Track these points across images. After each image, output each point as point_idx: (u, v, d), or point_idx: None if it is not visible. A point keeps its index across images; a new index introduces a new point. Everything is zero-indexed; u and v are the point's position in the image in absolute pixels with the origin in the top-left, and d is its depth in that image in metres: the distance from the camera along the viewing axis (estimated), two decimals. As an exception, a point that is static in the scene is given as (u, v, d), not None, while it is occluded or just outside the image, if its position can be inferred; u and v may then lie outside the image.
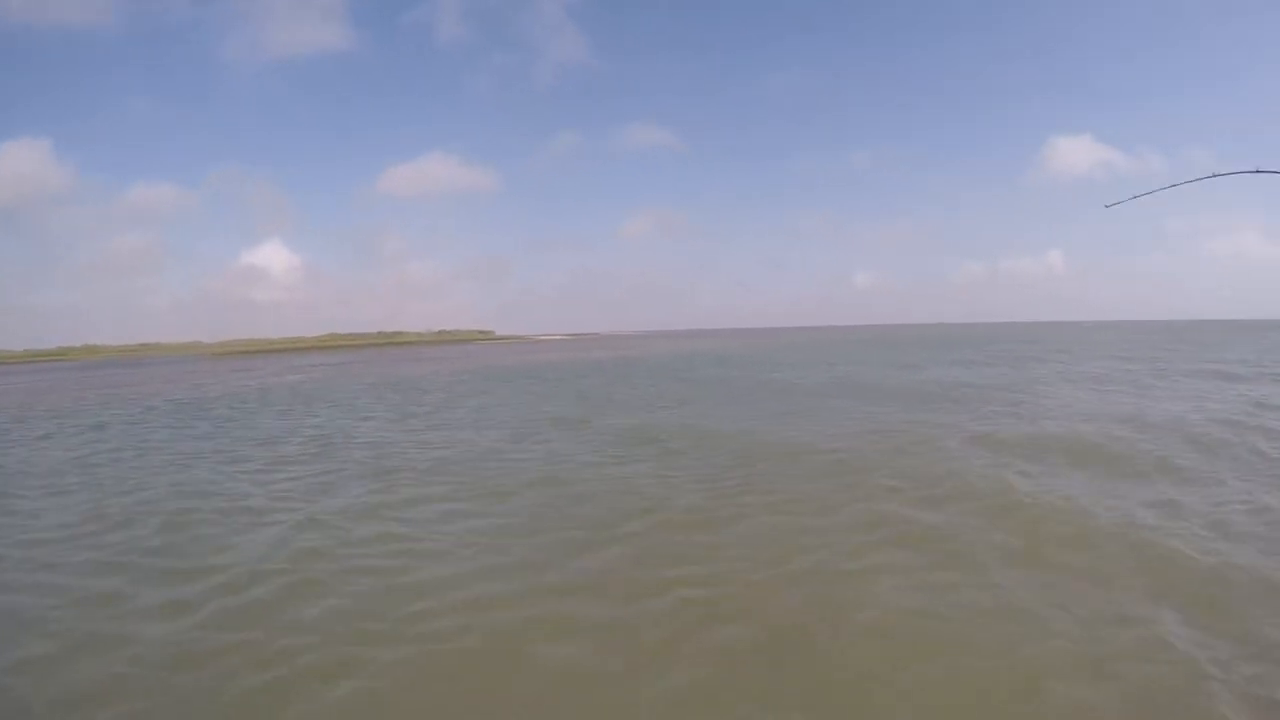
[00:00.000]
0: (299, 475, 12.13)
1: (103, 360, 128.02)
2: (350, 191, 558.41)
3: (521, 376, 36.47)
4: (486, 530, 8.40)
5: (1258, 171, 3.40)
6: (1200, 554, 6.65)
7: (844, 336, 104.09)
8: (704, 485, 10.15)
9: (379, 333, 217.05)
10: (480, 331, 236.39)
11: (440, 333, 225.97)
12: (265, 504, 10.05)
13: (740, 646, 5.28)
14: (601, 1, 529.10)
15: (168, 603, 6.50)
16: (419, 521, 8.87)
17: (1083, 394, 20.27)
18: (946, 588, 6.19)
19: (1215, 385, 21.56)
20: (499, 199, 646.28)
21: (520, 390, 28.29)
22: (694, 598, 6.16)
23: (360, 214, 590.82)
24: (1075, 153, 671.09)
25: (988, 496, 8.93)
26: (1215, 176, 3.83)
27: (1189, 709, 4.28)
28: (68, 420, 22.64)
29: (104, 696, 4.91)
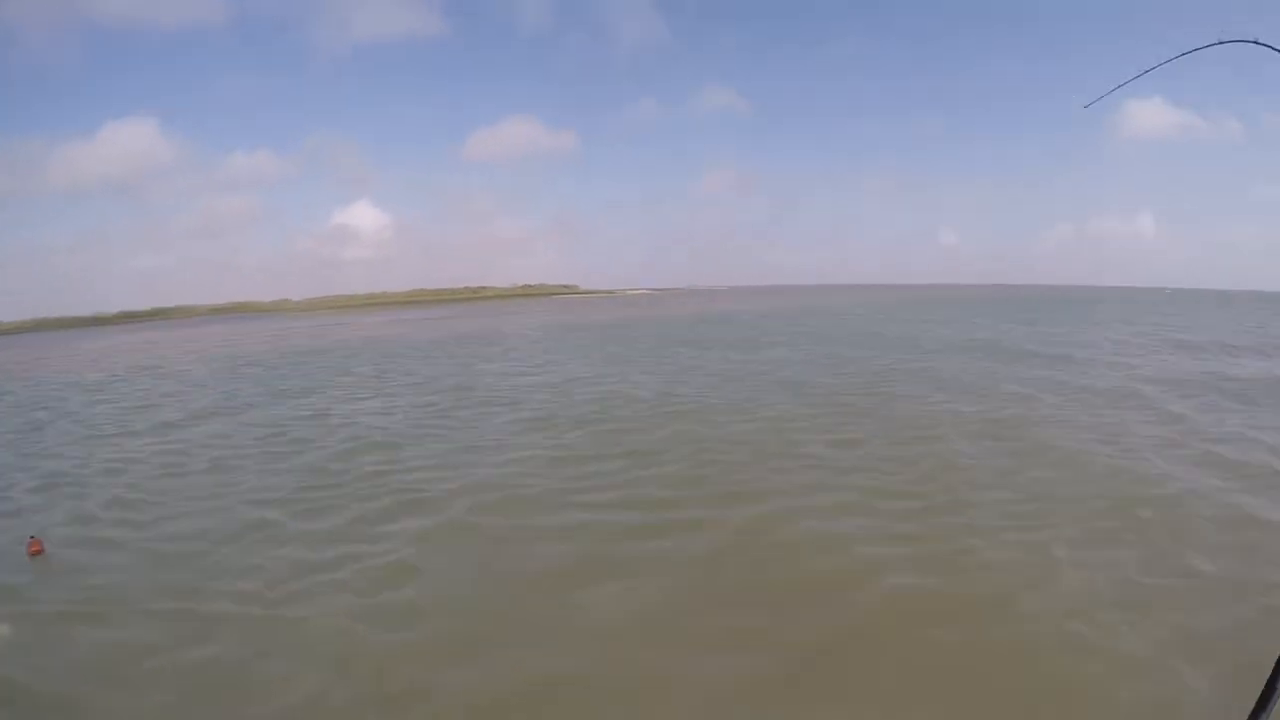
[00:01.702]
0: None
1: (197, 319, 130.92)
2: (438, 155, 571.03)
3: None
4: None
5: (1256, 43, 2.79)
6: None
7: (947, 297, 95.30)
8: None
9: (464, 288, 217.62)
10: (564, 286, 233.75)
11: (524, 287, 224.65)
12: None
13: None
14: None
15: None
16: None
17: None
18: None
19: None
20: (580, 160, 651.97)
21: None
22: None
23: (448, 175, 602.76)
24: (1148, 116, 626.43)
25: None
26: (1216, 44, 3.11)
27: None
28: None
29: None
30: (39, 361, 39.38)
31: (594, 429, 12.59)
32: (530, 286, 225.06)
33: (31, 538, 7.88)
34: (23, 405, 20.23)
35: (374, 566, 6.98)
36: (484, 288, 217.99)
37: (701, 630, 5.46)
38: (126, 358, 37.18)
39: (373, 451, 11.80)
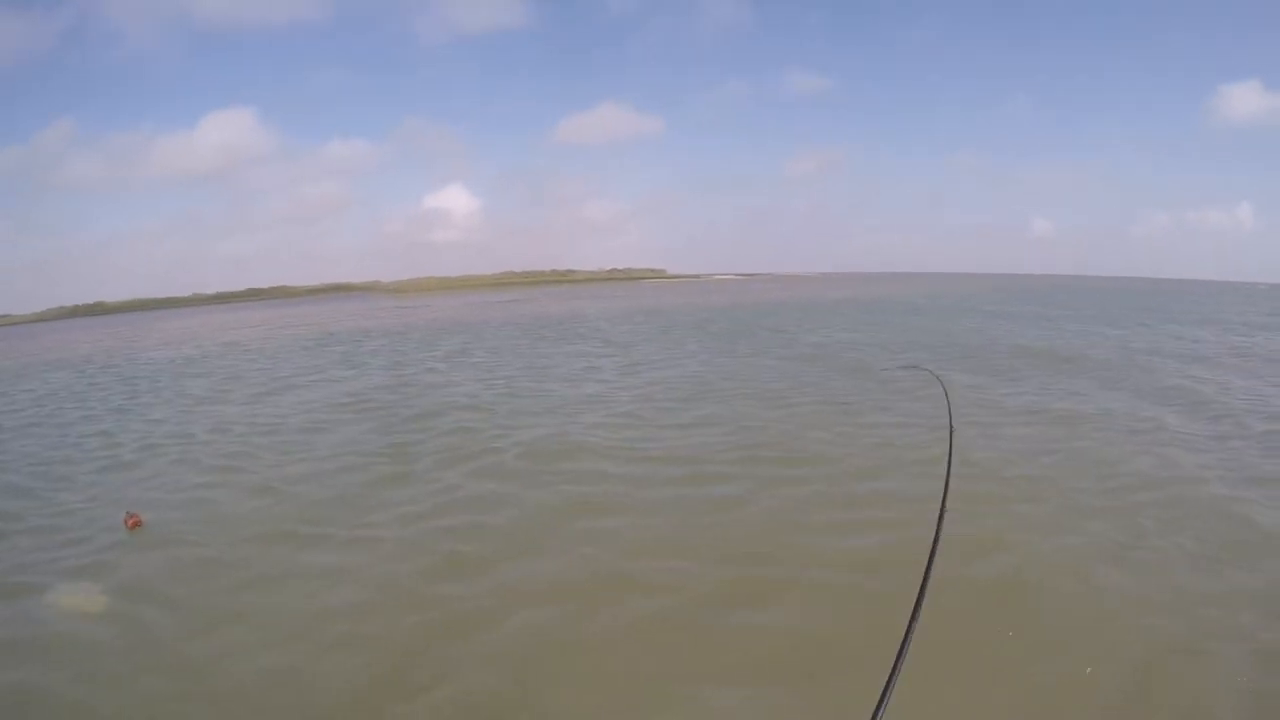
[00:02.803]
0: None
1: (292, 299, 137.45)
2: (529, 140, 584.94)
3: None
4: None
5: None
6: None
7: (1029, 286, 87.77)
8: None
9: (551, 271, 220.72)
10: (651, 270, 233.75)
11: (611, 271, 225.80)
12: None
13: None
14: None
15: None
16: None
17: None
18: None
19: None
20: (668, 143, 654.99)
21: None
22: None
23: (538, 159, 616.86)
24: (1245, 100, 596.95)
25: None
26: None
27: None
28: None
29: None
30: (141, 338, 42.09)
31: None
32: (618, 270, 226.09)
33: (128, 513, 8.02)
34: (125, 377, 21.60)
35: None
36: (572, 271, 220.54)
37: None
38: (219, 334, 39.35)
39: (450, 413, 12.81)
